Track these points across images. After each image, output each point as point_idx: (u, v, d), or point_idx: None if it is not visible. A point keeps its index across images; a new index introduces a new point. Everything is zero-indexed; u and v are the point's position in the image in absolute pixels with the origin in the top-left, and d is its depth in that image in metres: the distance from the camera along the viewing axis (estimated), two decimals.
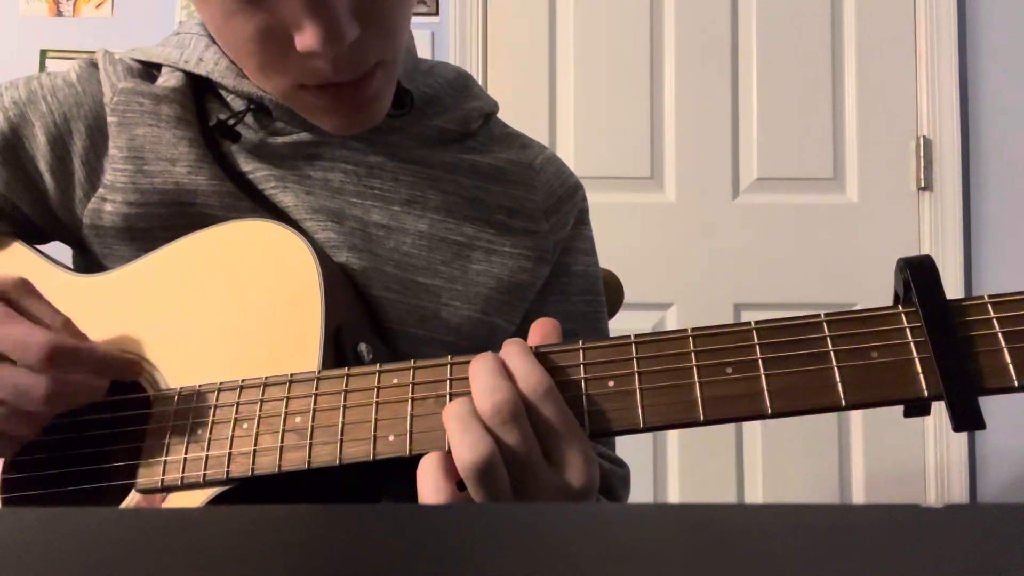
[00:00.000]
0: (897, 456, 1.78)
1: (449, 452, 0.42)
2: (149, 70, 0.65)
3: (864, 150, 1.83)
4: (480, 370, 0.43)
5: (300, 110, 0.59)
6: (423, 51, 1.84)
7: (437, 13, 1.86)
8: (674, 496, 1.79)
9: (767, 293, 1.80)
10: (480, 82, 1.83)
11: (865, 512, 0.22)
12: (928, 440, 1.78)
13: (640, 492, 1.75)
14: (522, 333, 0.66)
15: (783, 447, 1.78)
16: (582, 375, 0.43)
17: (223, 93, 0.64)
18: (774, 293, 1.80)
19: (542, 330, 0.46)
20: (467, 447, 0.41)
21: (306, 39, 0.51)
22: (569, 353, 0.44)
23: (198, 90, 0.64)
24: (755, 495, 1.78)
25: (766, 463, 1.78)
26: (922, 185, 1.82)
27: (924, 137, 1.82)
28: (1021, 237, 1.81)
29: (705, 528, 0.21)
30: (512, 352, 0.44)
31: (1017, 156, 1.83)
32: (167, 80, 0.63)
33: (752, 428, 1.78)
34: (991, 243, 1.81)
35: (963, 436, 1.77)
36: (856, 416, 1.79)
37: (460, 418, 0.42)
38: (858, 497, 1.78)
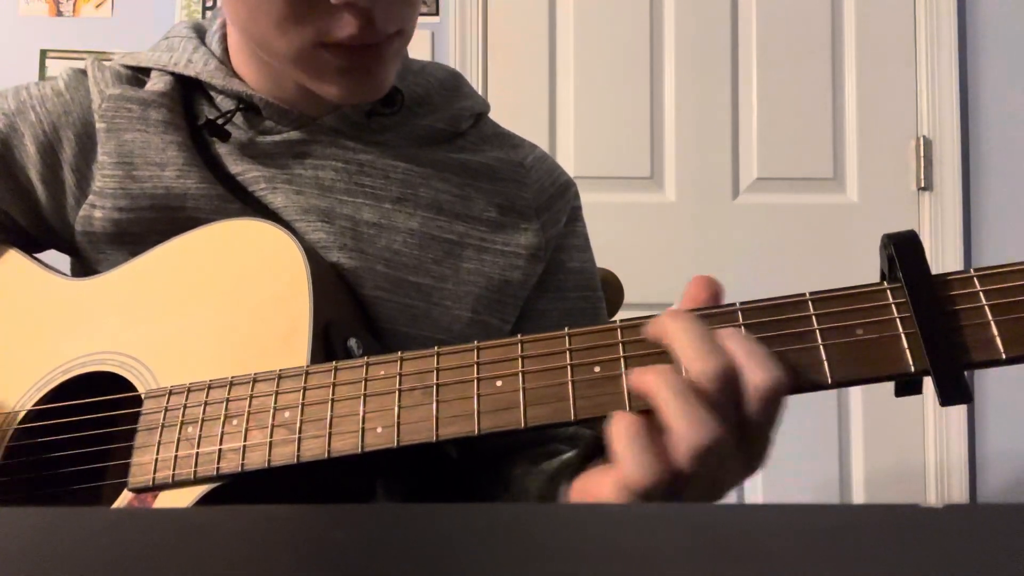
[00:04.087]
0: (897, 456, 1.78)
1: (642, 420, 0.40)
2: (138, 76, 0.65)
3: (864, 150, 1.83)
4: (685, 328, 0.40)
5: (309, 72, 0.58)
6: (423, 51, 1.84)
7: (437, 13, 1.86)
8: None
9: (767, 293, 1.79)
10: (480, 82, 1.83)
11: (865, 512, 0.22)
12: (928, 440, 1.78)
13: None
14: (517, 331, 0.66)
15: (783, 447, 1.77)
16: (568, 361, 0.43)
17: (212, 94, 0.64)
18: (774, 293, 1.79)
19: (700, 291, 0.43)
20: (701, 426, 0.38)
21: None
22: (554, 340, 0.44)
23: (187, 92, 0.64)
24: (755, 495, 1.78)
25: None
26: (922, 185, 1.81)
27: (924, 137, 1.82)
28: (1021, 237, 1.81)
29: (705, 528, 0.21)
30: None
31: (1017, 156, 1.83)
32: (155, 84, 0.63)
33: None
34: (991, 243, 1.81)
35: (963, 435, 1.77)
36: (856, 415, 1.79)
37: (681, 391, 0.39)
38: (858, 497, 1.78)
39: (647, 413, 0.40)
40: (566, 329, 0.44)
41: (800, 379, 0.40)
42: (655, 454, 0.38)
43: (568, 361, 0.43)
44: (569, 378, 0.43)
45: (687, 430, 0.38)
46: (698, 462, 0.38)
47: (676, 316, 0.41)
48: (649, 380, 0.40)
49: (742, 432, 0.40)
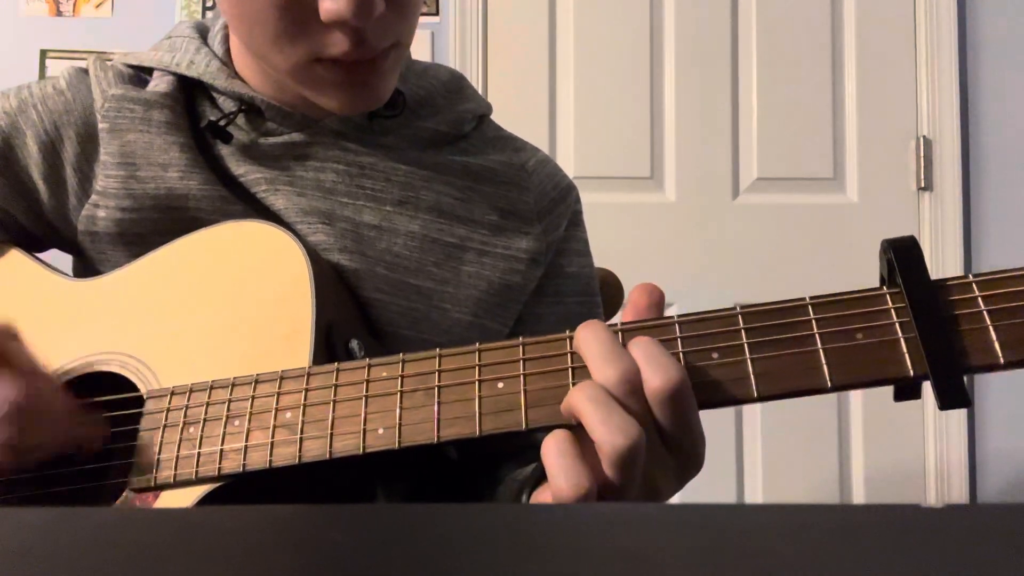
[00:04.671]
0: (897, 456, 1.78)
1: (573, 434, 0.41)
2: (140, 75, 0.65)
3: (864, 150, 1.83)
4: (593, 338, 0.41)
5: (307, 86, 0.58)
6: (423, 51, 1.84)
7: (437, 13, 1.86)
8: (674, 496, 1.78)
9: (767, 293, 1.80)
10: (480, 82, 1.83)
11: (865, 512, 0.22)
12: (928, 440, 1.78)
13: None
14: (516, 335, 0.66)
15: (783, 447, 1.78)
16: (569, 364, 0.43)
17: (215, 95, 0.64)
18: (774, 293, 1.79)
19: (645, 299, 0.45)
20: (617, 431, 0.38)
21: (338, 6, 0.50)
22: (556, 343, 0.44)
23: (190, 93, 0.64)
24: (755, 495, 1.78)
25: (766, 463, 1.78)
26: (922, 185, 1.81)
27: (924, 137, 1.82)
28: (1021, 237, 1.81)
29: (705, 528, 0.21)
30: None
31: (1017, 156, 1.83)
32: (158, 85, 0.63)
33: (752, 427, 1.78)
34: (991, 243, 1.81)
35: (963, 436, 1.77)
36: (856, 416, 1.79)
37: (597, 399, 0.40)
38: (858, 497, 1.78)
39: (580, 428, 0.41)
40: (567, 332, 0.44)
41: (800, 382, 0.41)
42: (583, 467, 0.39)
43: (569, 363, 0.43)
44: (570, 380, 0.43)
45: (607, 436, 0.38)
46: (623, 468, 0.39)
47: (585, 327, 0.42)
48: (573, 394, 0.41)
49: (662, 437, 0.41)
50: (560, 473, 0.39)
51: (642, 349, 0.41)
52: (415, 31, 0.59)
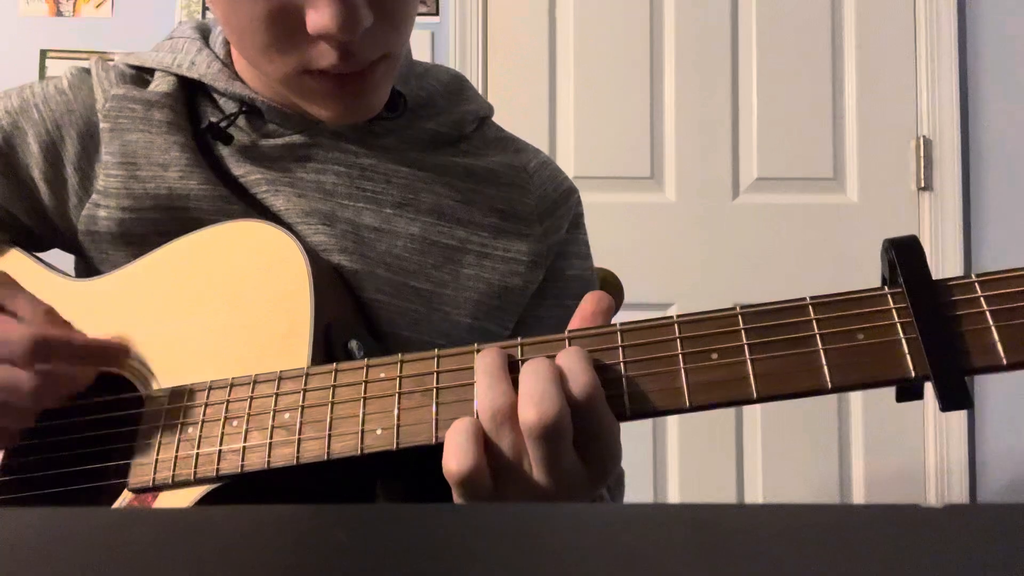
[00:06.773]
0: (897, 456, 1.78)
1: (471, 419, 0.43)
2: (142, 75, 0.65)
3: (864, 150, 1.83)
4: (480, 365, 0.44)
5: (298, 95, 0.58)
6: (423, 51, 1.84)
7: (437, 13, 1.86)
8: (674, 496, 1.78)
9: (767, 293, 1.79)
10: (480, 82, 1.83)
11: (865, 512, 0.22)
12: (928, 440, 1.78)
13: (640, 492, 1.75)
14: (516, 338, 0.66)
15: (783, 447, 1.78)
16: None
17: (215, 96, 0.64)
18: (774, 293, 1.79)
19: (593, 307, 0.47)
20: (491, 400, 0.42)
21: (324, 19, 0.50)
22: (554, 343, 0.44)
23: (191, 94, 0.64)
24: (755, 495, 1.78)
25: (766, 463, 1.78)
26: (922, 185, 1.81)
27: (924, 137, 1.82)
28: (1021, 237, 1.81)
29: (705, 528, 0.21)
30: (570, 355, 0.43)
31: (1017, 156, 1.83)
32: (159, 85, 0.63)
33: (752, 427, 1.78)
34: (991, 243, 1.81)
35: (963, 436, 1.77)
36: (856, 416, 1.79)
37: (488, 370, 0.43)
38: (858, 497, 1.78)
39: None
40: (566, 332, 0.44)
41: (800, 383, 0.40)
42: (472, 446, 0.42)
43: None
44: None
45: (483, 400, 0.42)
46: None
47: (480, 355, 0.45)
48: (476, 359, 0.44)
49: (546, 463, 0.42)
50: (449, 449, 0.42)
51: (527, 380, 0.42)
52: (408, 41, 0.59)
